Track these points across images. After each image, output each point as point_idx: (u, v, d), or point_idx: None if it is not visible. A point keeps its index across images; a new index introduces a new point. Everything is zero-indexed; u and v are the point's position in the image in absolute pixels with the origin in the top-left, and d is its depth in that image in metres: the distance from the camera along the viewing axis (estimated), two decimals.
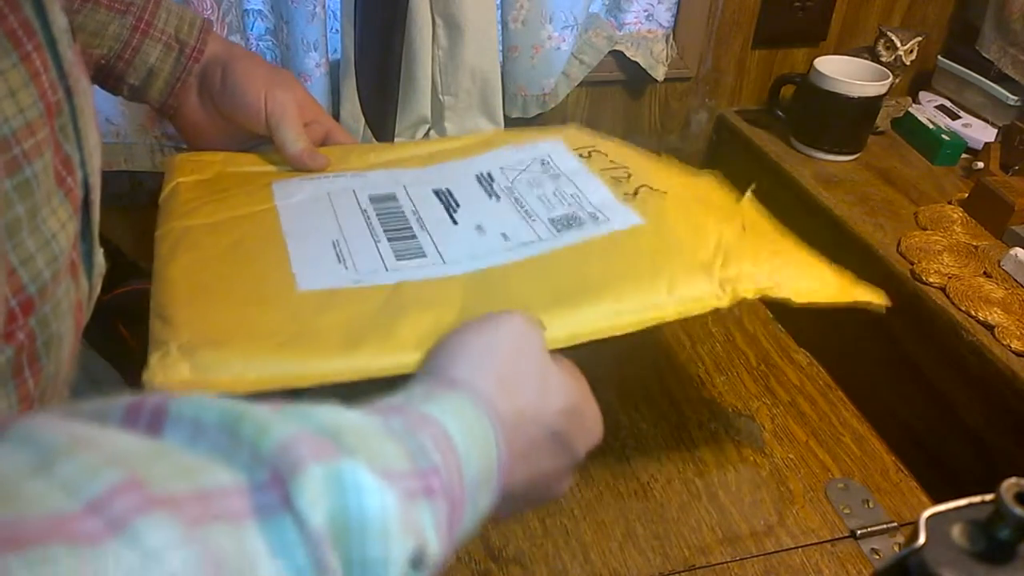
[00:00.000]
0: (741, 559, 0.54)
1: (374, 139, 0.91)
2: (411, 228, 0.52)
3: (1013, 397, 0.79)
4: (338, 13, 0.96)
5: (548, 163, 0.60)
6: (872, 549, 0.54)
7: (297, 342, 0.42)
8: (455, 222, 0.53)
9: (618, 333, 0.44)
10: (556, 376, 0.39)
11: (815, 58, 1.10)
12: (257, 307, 0.44)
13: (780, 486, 0.59)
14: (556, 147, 0.62)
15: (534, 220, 0.53)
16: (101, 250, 0.42)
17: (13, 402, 0.34)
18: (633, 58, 1.09)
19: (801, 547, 0.55)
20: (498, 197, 0.56)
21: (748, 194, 0.58)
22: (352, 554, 0.22)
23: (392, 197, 0.56)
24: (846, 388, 0.67)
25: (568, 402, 0.38)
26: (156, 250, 0.49)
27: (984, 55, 1.16)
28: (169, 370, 0.39)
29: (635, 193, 0.55)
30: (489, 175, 0.58)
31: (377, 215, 0.53)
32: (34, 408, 0.35)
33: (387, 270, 0.48)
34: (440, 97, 0.99)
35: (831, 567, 0.53)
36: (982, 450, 0.84)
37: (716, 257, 0.49)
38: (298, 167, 0.58)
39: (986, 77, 1.16)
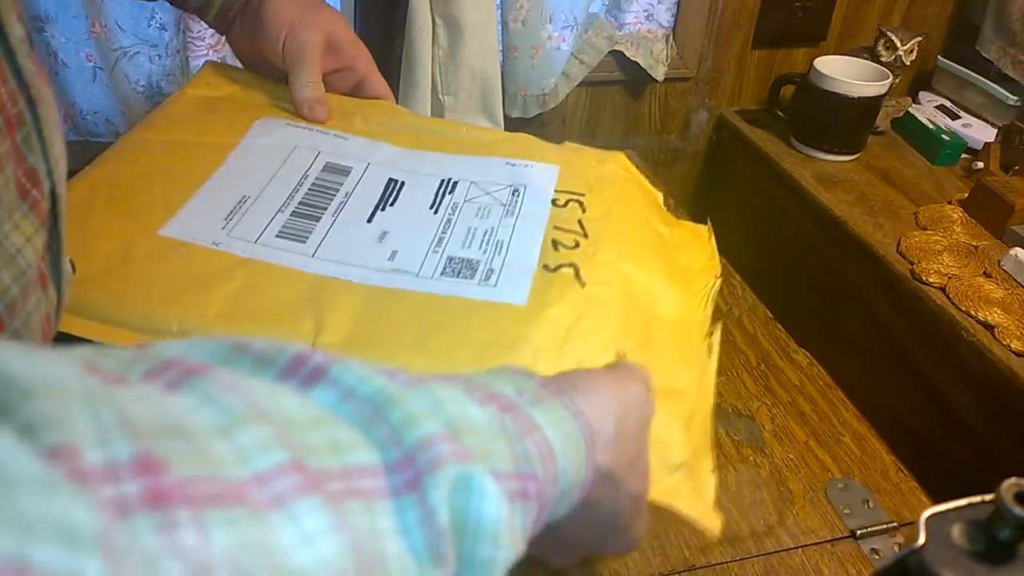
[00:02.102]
0: (741, 559, 0.53)
1: None
2: (323, 210, 0.52)
3: (1013, 397, 0.79)
4: None
5: (518, 195, 0.56)
6: (872, 549, 0.54)
7: (118, 282, 0.44)
8: (368, 220, 0.52)
9: None
10: (645, 461, 0.38)
11: (815, 58, 1.10)
12: (119, 239, 0.47)
13: (780, 486, 0.59)
14: (542, 177, 0.57)
15: (436, 252, 0.51)
16: (67, 257, 0.42)
17: None
18: (633, 58, 1.09)
19: (801, 547, 0.55)
20: (436, 211, 0.54)
21: (716, 337, 0.52)
22: (464, 552, 0.24)
23: (345, 171, 0.55)
24: (846, 388, 0.67)
25: (642, 491, 0.38)
26: (110, 150, 0.53)
27: (984, 55, 1.16)
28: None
29: (555, 269, 0.50)
30: (454, 184, 0.56)
31: (312, 185, 0.53)
32: None
33: (254, 243, 0.49)
34: (440, 97, 0.99)
35: (831, 567, 0.53)
36: (982, 450, 0.84)
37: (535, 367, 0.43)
38: (298, 114, 0.58)
39: (986, 77, 1.16)
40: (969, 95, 1.19)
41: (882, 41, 1.14)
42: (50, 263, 0.39)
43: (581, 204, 0.55)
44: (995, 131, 1.11)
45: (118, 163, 0.52)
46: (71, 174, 0.43)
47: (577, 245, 0.52)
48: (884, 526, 0.56)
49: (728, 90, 1.22)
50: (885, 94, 1.09)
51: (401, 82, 0.90)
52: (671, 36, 1.14)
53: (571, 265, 0.50)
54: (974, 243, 0.95)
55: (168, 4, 0.63)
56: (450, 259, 0.50)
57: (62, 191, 0.39)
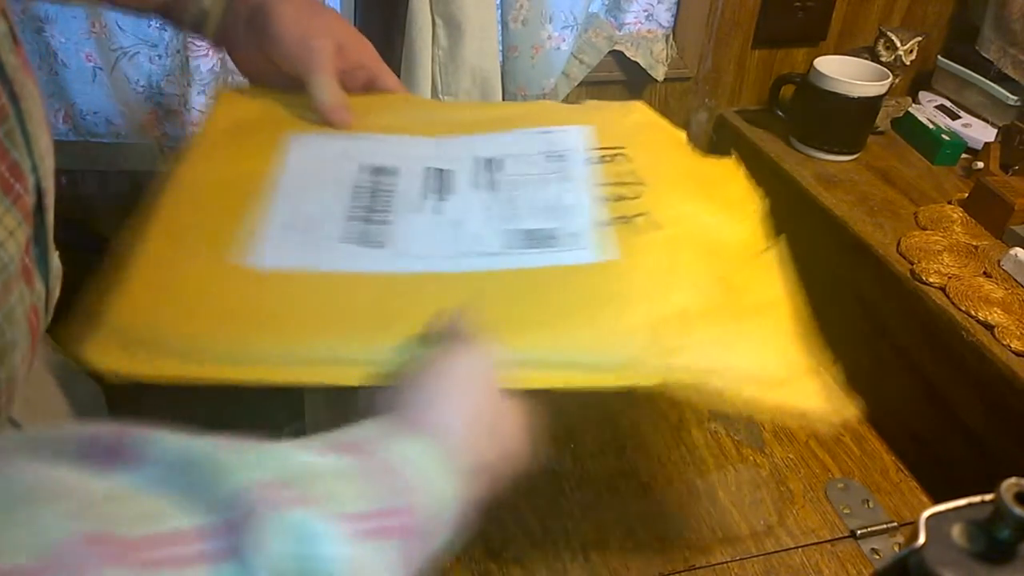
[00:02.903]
0: (741, 559, 0.54)
1: None
2: (389, 211, 0.52)
3: (1013, 397, 0.79)
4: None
5: (560, 159, 0.57)
6: (872, 549, 0.54)
7: (234, 322, 0.42)
8: (438, 211, 0.52)
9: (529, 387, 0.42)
10: (503, 418, 0.39)
11: (815, 58, 1.10)
12: (206, 282, 0.45)
13: (780, 486, 0.59)
14: (580, 139, 0.59)
15: (513, 228, 0.51)
16: (56, 253, 0.42)
17: None
18: (633, 58, 1.09)
19: (801, 547, 0.55)
20: (493, 191, 0.54)
21: (781, 246, 0.54)
22: None
23: (392, 171, 0.55)
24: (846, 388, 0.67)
25: (508, 439, 0.39)
26: (156, 197, 0.50)
27: (984, 55, 1.16)
28: (106, 355, 0.39)
29: (630, 219, 0.52)
30: (499, 162, 0.57)
31: (368, 190, 0.53)
32: None
33: (345, 256, 0.48)
34: (440, 97, 0.99)
35: (831, 567, 0.53)
36: (982, 450, 0.84)
37: (670, 323, 0.45)
38: (323, 121, 0.58)
39: (986, 77, 1.16)
40: (969, 95, 1.19)
41: (882, 41, 1.14)
42: (36, 257, 0.39)
43: (625, 156, 0.58)
44: (995, 131, 1.11)
45: (173, 206, 0.50)
46: (72, 173, 0.43)
47: (639, 195, 0.54)
48: (884, 526, 0.56)
49: (728, 90, 1.22)
50: (885, 94, 1.09)
51: (401, 82, 0.90)
52: (671, 36, 1.14)
53: (642, 213, 0.52)
54: (974, 243, 0.95)
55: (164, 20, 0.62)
56: (529, 233, 0.51)
57: (48, 185, 0.39)
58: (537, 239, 0.51)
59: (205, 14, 0.60)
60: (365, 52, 0.62)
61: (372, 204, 0.52)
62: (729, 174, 0.61)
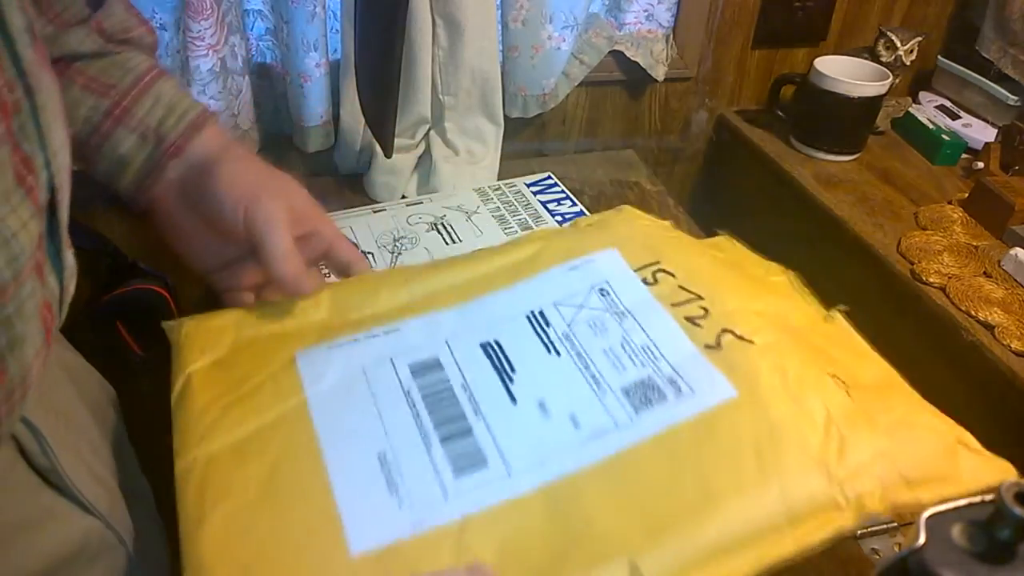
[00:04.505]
0: None
1: (375, 140, 0.91)
2: (465, 417, 0.43)
3: (1013, 397, 0.79)
4: (338, 13, 0.96)
5: (608, 293, 0.50)
6: (872, 549, 0.54)
7: None
8: (513, 399, 0.44)
9: None
10: None
11: (815, 58, 1.10)
12: None
13: None
14: (614, 265, 0.52)
15: (605, 392, 0.44)
16: (71, 250, 0.42)
17: None
18: (633, 58, 1.09)
19: None
20: (558, 352, 0.46)
21: (838, 316, 0.50)
22: None
23: (436, 365, 0.46)
24: None
25: None
26: (180, 494, 0.40)
27: (984, 55, 1.16)
28: None
29: (717, 343, 0.46)
30: (542, 316, 0.49)
31: (423, 398, 0.44)
32: (1, 410, 0.35)
33: (447, 498, 0.39)
34: (440, 97, 0.99)
35: (831, 567, 0.53)
36: None
37: (829, 443, 0.40)
38: (283, 292, 0.50)
39: (986, 77, 1.16)
40: (969, 95, 1.19)
41: (882, 41, 1.14)
42: (50, 253, 0.39)
43: (665, 271, 0.51)
44: (995, 131, 1.11)
45: (215, 508, 0.39)
46: (72, 173, 0.43)
47: (706, 312, 0.48)
48: (884, 526, 0.56)
49: (728, 90, 1.22)
50: (885, 94, 1.09)
51: (401, 82, 0.90)
52: (671, 36, 1.14)
53: (724, 331, 0.46)
54: (974, 243, 0.95)
55: (115, 95, 0.51)
56: (625, 391, 0.44)
57: (62, 181, 0.39)
58: (642, 398, 0.43)
59: (123, 163, 0.51)
60: (322, 219, 0.54)
61: (442, 416, 0.43)
62: (731, 247, 0.58)
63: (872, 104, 1.09)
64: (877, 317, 0.98)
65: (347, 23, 0.91)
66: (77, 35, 0.50)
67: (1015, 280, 0.89)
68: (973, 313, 0.84)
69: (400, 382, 0.45)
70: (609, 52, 1.08)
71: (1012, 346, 0.80)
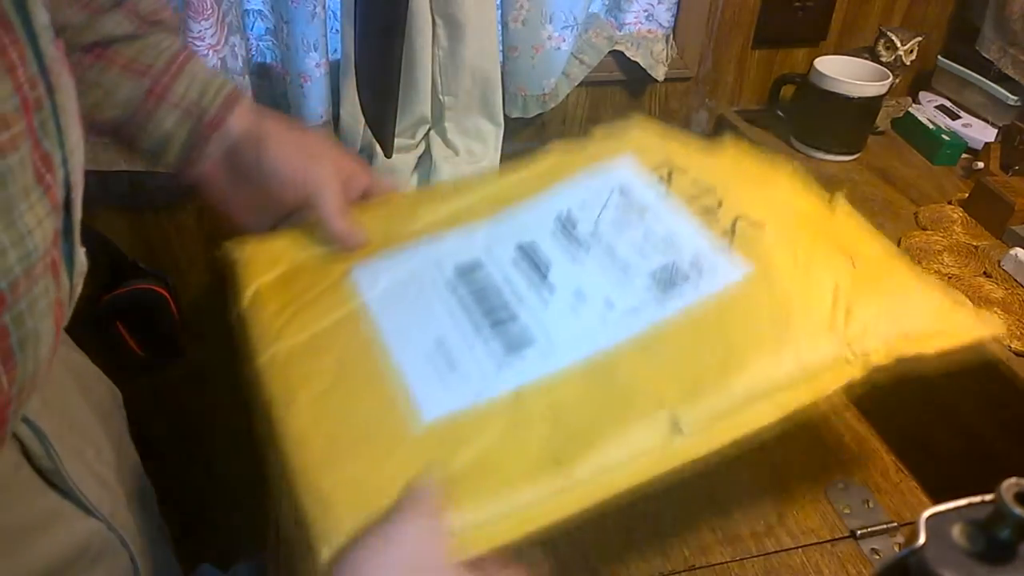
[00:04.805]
0: (741, 559, 0.54)
1: (374, 140, 0.91)
2: (509, 306, 0.48)
3: (1013, 397, 0.79)
4: (338, 13, 0.96)
5: (628, 193, 0.54)
6: (872, 549, 0.54)
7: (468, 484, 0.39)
8: (551, 288, 0.49)
9: (752, 430, 0.42)
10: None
11: (815, 58, 1.10)
12: (387, 458, 0.41)
13: (780, 486, 0.59)
14: (631, 167, 0.57)
15: (633, 277, 0.49)
16: (83, 249, 0.42)
17: None
18: (633, 58, 1.09)
19: (801, 547, 0.55)
20: (587, 247, 0.51)
21: (841, 200, 0.54)
22: None
23: (478, 265, 0.51)
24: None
25: None
26: (265, 383, 0.45)
27: (984, 55, 1.16)
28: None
29: (732, 230, 0.50)
30: (569, 216, 0.54)
31: (470, 292, 0.49)
32: (11, 407, 0.35)
33: (500, 372, 0.44)
34: (440, 97, 0.99)
35: (831, 567, 0.53)
36: (982, 450, 0.84)
37: (837, 309, 0.45)
38: (338, 244, 0.54)
39: (986, 77, 1.16)
40: (969, 95, 1.19)
41: (882, 41, 1.14)
42: (64, 252, 0.39)
43: (677, 167, 0.56)
44: (995, 131, 1.11)
45: (300, 392, 0.44)
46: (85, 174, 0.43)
47: (720, 203, 0.53)
48: (884, 526, 0.56)
49: (728, 90, 1.22)
50: (885, 94, 1.09)
51: (401, 82, 0.90)
52: (671, 36, 1.14)
53: (738, 217, 0.51)
54: (974, 243, 0.95)
55: (154, 74, 0.54)
56: (652, 276, 0.48)
57: (76, 180, 0.39)
58: (668, 280, 0.48)
59: (168, 139, 0.54)
60: (354, 163, 0.59)
61: (489, 306, 0.48)
62: (738, 146, 0.61)
63: (872, 104, 1.09)
64: None
65: (347, 23, 0.91)
66: (113, 18, 0.52)
67: (1015, 280, 0.89)
68: None
69: (448, 281, 0.51)
70: (609, 52, 1.09)
71: (1012, 346, 0.80)
